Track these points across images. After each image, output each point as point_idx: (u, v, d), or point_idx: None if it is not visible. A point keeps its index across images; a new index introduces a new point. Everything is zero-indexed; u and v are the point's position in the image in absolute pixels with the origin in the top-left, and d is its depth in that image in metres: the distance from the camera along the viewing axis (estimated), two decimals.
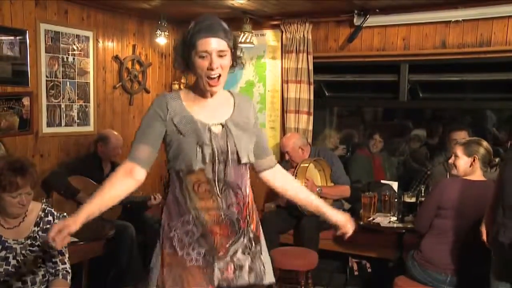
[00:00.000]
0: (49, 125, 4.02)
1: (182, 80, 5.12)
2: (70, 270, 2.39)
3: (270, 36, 4.79)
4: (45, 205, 2.43)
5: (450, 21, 4.01)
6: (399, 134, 5.49)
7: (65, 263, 2.39)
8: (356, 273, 4.13)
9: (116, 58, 4.59)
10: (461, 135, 3.83)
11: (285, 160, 4.36)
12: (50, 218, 2.39)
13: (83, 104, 4.32)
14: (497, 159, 3.00)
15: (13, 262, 2.27)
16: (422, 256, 2.98)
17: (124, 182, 1.80)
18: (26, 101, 3.81)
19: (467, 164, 2.96)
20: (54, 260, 2.36)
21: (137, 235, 3.70)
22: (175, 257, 1.84)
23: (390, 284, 3.12)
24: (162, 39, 4.67)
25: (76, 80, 4.23)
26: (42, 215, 2.38)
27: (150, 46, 4.95)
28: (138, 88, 4.85)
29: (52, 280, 2.35)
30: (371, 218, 3.64)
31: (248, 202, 1.91)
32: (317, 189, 3.99)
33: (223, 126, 1.84)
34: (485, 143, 2.99)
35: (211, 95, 1.86)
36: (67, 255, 2.41)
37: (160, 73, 5.12)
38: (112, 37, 4.56)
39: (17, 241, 2.30)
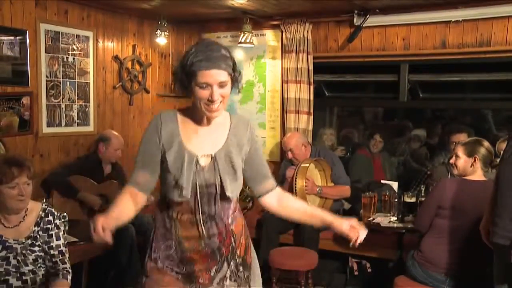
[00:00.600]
0: (49, 125, 4.02)
1: None
2: (70, 270, 2.39)
3: (270, 36, 4.79)
4: (45, 205, 2.43)
5: (450, 21, 4.01)
6: (399, 134, 5.49)
7: (65, 263, 2.38)
8: (356, 273, 4.12)
9: (116, 58, 4.59)
10: (462, 138, 3.82)
11: (285, 160, 4.37)
12: (50, 218, 2.39)
13: (83, 104, 4.32)
14: (498, 160, 2.99)
15: (13, 261, 2.27)
16: (422, 256, 2.99)
17: (129, 203, 1.84)
18: (26, 101, 3.81)
19: (467, 164, 2.96)
20: (54, 260, 2.36)
21: (137, 235, 3.70)
22: (157, 269, 1.89)
23: (390, 284, 3.12)
24: (162, 39, 4.67)
25: (76, 80, 4.23)
26: (43, 215, 2.38)
27: (150, 46, 4.95)
28: (138, 88, 4.85)
29: (52, 280, 2.35)
30: (371, 218, 3.64)
31: (233, 229, 1.91)
32: (317, 189, 4.00)
33: (212, 158, 1.82)
34: (486, 143, 2.99)
35: (209, 121, 1.85)
36: (67, 255, 2.41)
37: (160, 73, 5.12)
38: (112, 37, 4.56)
39: (18, 241, 2.30)
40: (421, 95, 4.56)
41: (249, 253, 2.00)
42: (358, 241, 1.83)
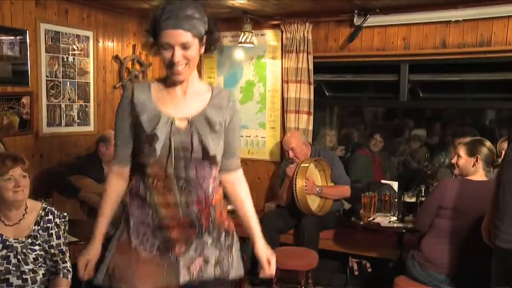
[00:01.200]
0: (49, 125, 4.02)
1: None
2: (71, 269, 2.39)
3: (270, 36, 4.79)
4: (45, 204, 2.43)
5: (450, 21, 4.01)
6: (399, 134, 5.49)
7: (66, 262, 2.39)
8: (356, 273, 4.12)
9: (116, 58, 4.59)
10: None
11: (286, 160, 4.37)
12: (50, 217, 2.39)
13: (83, 104, 4.32)
14: (499, 159, 2.99)
15: (14, 260, 2.27)
16: (422, 256, 2.98)
17: (118, 187, 1.85)
18: (26, 101, 3.81)
19: (469, 164, 2.96)
20: (54, 259, 2.36)
21: None
22: (129, 246, 1.81)
23: (390, 284, 3.12)
24: None
25: (76, 80, 4.23)
26: (43, 214, 2.38)
27: None
28: None
29: (53, 279, 2.36)
30: (371, 218, 3.64)
31: (212, 201, 1.84)
32: (317, 189, 4.00)
33: (189, 122, 1.76)
34: (488, 143, 2.99)
35: (184, 89, 1.80)
36: (67, 254, 2.41)
37: (160, 73, 5.12)
38: (112, 37, 4.57)
39: (18, 239, 2.31)
40: (421, 95, 4.56)
41: (231, 224, 1.96)
42: (264, 276, 1.96)
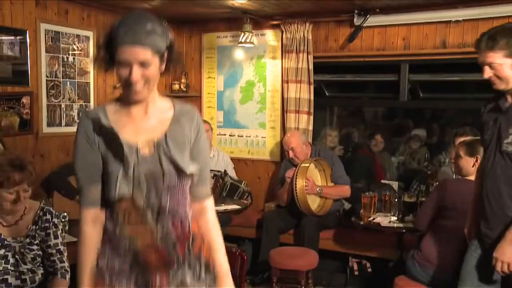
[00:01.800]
0: (49, 125, 4.02)
1: (183, 80, 5.12)
2: (69, 269, 2.39)
3: (270, 36, 4.79)
4: (43, 204, 2.43)
5: (450, 21, 4.01)
6: (399, 134, 5.49)
7: (64, 262, 2.38)
8: (356, 273, 4.12)
9: None
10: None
11: (286, 159, 4.37)
12: (48, 216, 2.38)
13: (83, 104, 4.32)
14: None
15: (12, 260, 2.27)
16: (423, 256, 2.98)
17: (95, 235, 1.62)
18: (26, 101, 3.81)
19: (469, 164, 2.96)
20: (52, 258, 2.35)
21: None
22: (104, 283, 1.61)
23: (390, 284, 3.12)
24: None
25: (76, 80, 4.23)
26: (41, 214, 2.38)
27: None
28: None
29: (51, 278, 2.35)
30: (371, 218, 3.64)
31: (191, 229, 1.68)
32: (318, 189, 4.00)
33: (154, 146, 1.60)
34: None
35: (143, 106, 1.62)
36: (65, 254, 2.40)
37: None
38: None
39: (16, 239, 2.31)
40: (421, 95, 4.56)
41: (210, 255, 1.76)
42: None
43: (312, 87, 4.58)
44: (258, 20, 4.64)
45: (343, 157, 5.00)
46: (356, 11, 4.24)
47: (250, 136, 4.99)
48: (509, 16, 3.83)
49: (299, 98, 4.60)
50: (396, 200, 3.73)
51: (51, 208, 2.43)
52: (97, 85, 4.43)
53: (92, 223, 1.61)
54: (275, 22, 4.67)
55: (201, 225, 1.75)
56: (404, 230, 3.49)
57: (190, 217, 1.69)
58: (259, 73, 4.89)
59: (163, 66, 1.59)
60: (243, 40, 4.50)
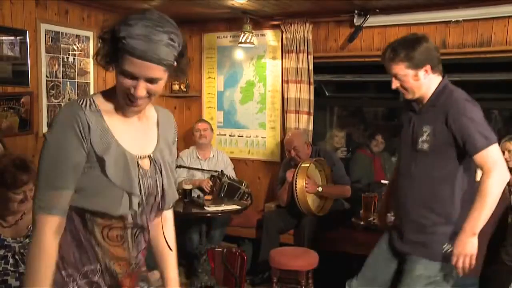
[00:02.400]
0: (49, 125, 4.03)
1: (182, 80, 5.12)
2: None
3: (270, 36, 4.79)
4: None
5: (450, 21, 4.01)
6: (399, 134, 5.47)
7: None
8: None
9: None
10: None
11: (286, 159, 4.37)
12: None
13: None
14: None
15: (11, 260, 2.27)
16: None
17: (54, 247, 1.35)
18: (26, 101, 3.81)
19: None
20: None
21: None
22: None
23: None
24: None
25: (76, 80, 4.23)
26: None
27: None
28: None
29: None
30: (372, 218, 3.64)
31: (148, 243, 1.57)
32: (318, 189, 4.00)
33: (150, 160, 1.45)
34: None
35: (137, 112, 1.46)
36: None
37: None
38: None
39: (16, 239, 2.30)
40: None
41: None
42: None
43: (312, 87, 4.58)
44: (258, 20, 4.64)
45: (344, 157, 4.99)
46: (356, 11, 4.24)
47: (250, 136, 4.99)
48: (509, 17, 3.83)
49: (299, 98, 4.60)
50: None
51: None
52: (97, 85, 4.42)
53: (54, 234, 1.34)
54: (275, 22, 4.68)
55: (158, 236, 1.60)
56: None
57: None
58: (259, 73, 4.89)
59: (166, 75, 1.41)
60: (243, 40, 4.51)
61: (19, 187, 2.21)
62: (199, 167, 4.48)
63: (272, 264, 3.63)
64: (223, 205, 3.85)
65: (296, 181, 3.87)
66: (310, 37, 4.51)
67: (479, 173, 2.95)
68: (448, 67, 4.23)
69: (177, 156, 4.66)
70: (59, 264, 1.39)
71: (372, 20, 4.23)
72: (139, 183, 1.39)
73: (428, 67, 2.24)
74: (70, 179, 1.35)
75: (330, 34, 4.56)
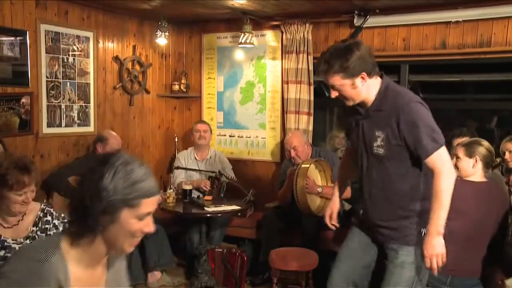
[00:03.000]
0: (49, 125, 4.03)
1: (182, 81, 5.13)
2: None
3: (270, 37, 4.79)
4: (44, 205, 2.43)
5: (450, 22, 4.02)
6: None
7: None
8: None
9: (116, 58, 4.59)
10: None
11: (286, 160, 4.37)
12: (49, 218, 2.39)
13: (83, 104, 4.32)
14: (498, 159, 2.99)
15: None
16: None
17: None
18: (26, 101, 3.81)
19: (469, 165, 2.95)
20: None
21: None
22: None
23: None
24: (162, 40, 4.67)
25: (76, 81, 4.24)
26: (41, 215, 2.38)
27: (150, 47, 4.96)
28: (139, 89, 4.85)
29: None
30: None
31: None
32: (318, 189, 4.00)
33: None
34: (485, 143, 2.99)
35: (108, 260, 1.43)
36: None
37: (161, 74, 5.13)
38: (113, 37, 4.57)
39: (16, 240, 2.30)
40: (421, 95, 4.54)
41: None
42: None
43: (312, 87, 4.59)
44: (258, 20, 4.65)
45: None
46: (356, 12, 4.25)
47: (250, 137, 4.99)
48: (509, 17, 3.84)
49: (299, 98, 4.60)
50: None
51: (51, 209, 2.43)
52: (97, 85, 4.43)
53: None
54: (275, 23, 4.68)
55: None
56: None
57: None
58: (259, 74, 4.89)
59: None
60: (243, 41, 4.51)
61: (20, 189, 2.22)
62: (196, 167, 4.48)
63: (272, 264, 3.62)
64: (223, 205, 3.85)
65: (296, 181, 3.87)
66: (310, 38, 4.51)
67: (480, 173, 2.96)
68: (448, 68, 4.30)
69: (175, 158, 4.67)
70: None
71: (372, 21, 4.24)
72: None
73: (364, 74, 2.23)
74: None
75: (330, 34, 4.56)
